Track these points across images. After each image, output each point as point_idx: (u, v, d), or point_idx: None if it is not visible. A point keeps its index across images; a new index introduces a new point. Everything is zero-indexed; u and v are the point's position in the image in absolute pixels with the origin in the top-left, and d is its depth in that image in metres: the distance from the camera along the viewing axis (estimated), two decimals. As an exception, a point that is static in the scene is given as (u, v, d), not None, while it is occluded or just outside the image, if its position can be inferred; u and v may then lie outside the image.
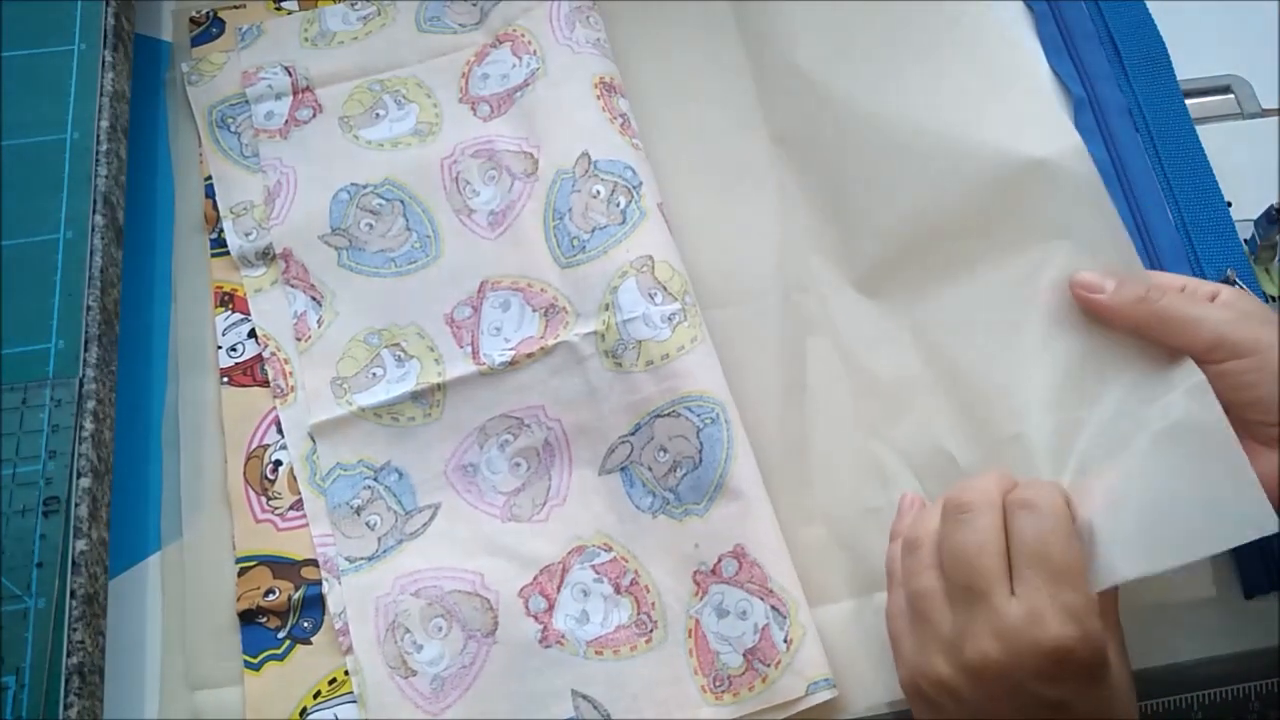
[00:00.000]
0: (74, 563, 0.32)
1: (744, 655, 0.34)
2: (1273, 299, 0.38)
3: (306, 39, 0.44)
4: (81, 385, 0.34)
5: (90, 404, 0.34)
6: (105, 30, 0.40)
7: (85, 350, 0.35)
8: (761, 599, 0.34)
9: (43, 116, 0.39)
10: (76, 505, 0.33)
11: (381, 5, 0.45)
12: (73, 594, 0.31)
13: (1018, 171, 0.35)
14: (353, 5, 0.45)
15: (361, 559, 0.36)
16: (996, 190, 0.36)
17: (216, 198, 0.41)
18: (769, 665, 0.33)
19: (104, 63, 0.40)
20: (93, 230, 0.37)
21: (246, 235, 0.41)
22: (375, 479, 0.37)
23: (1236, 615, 0.35)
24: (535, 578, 0.36)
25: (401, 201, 0.41)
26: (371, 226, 0.41)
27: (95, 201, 0.37)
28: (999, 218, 0.36)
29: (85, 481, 0.33)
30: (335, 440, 0.38)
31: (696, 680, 0.34)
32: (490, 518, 0.37)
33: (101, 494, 0.34)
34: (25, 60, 0.40)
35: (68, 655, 0.31)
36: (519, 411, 0.38)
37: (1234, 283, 0.37)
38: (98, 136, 0.38)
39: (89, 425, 0.34)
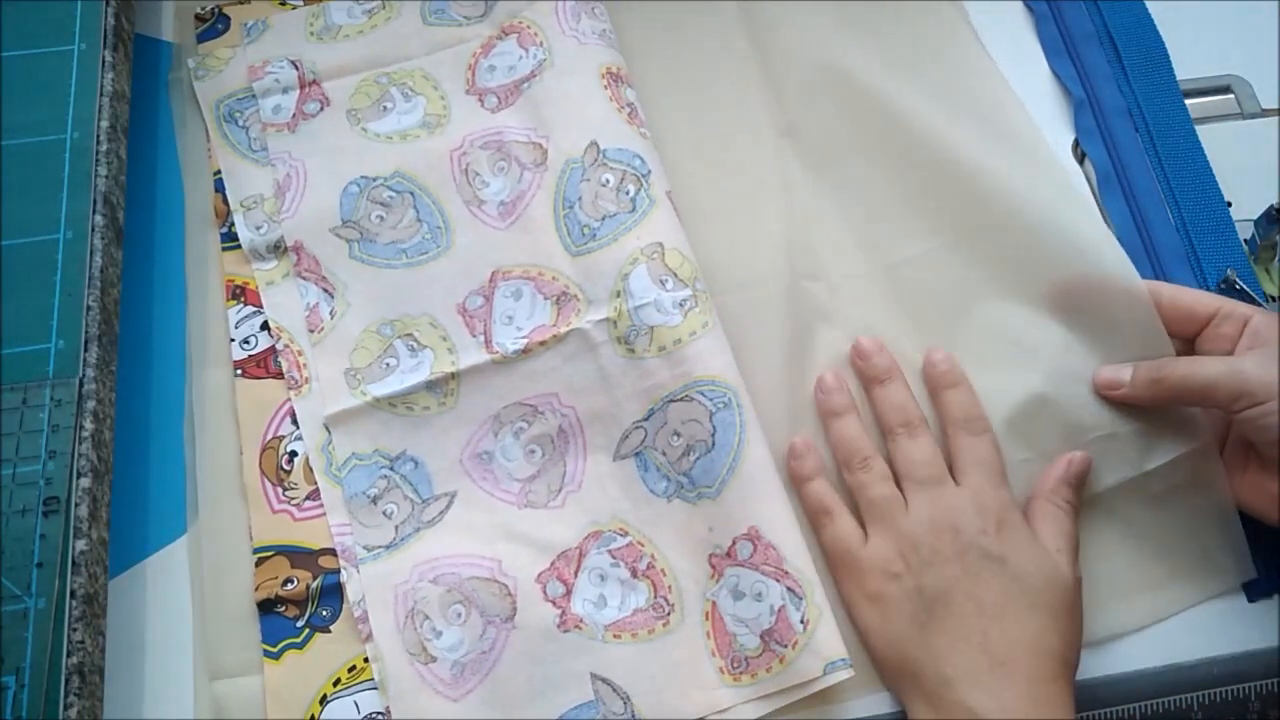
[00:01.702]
0: (74, 563, 0.27)
1: (760, 637, 0.29)
2: (1273, 299, 0.33)
3: (312, 33, 0.38)
4: (81, 385, 0.29)
5: (90, 404, 0.29)
6: (105, 30, 0.34)
7: (85, 350, 0.30)
8: (777, 580, 0.29)
9: (43, 116, 0.33)
10: (76, 505, 0.28)
11: None
12: (73, 594, 0.27)
13: (1027, 181, 0.32)
14: (357, -1, 0.38)
15: (379, 547, 0.31)
16: (1008, 195, 0.32)
17: (226, 192, 0.35)
18: (786, 646, 0.28)
19: (104, 63, 0.34)
20: (93, 230, 0.31)
21: (257, 229, 0.34)
22: (391, 468, 0.32)
23: (1236, 615, 0.30)
24: (553, 563, 0.31)
25: (411, 193, 0.35)
26: (382, 218, 0.34)
27: (95, 201, 0.32)
28: (1010, 222, 0.32)
29: (85, 481, 0.28)
30: (350, 430, 0.32)
31: (714, 662, 0.29)
32: (507, 504, 0.32)
33: (101, 494, 0.29)
34: (25, 60, 0.34)
35: (68, 655, 0.26)
36: (533, 399, 0.32)
37: (1234, 282, 0.32)
38: (98, 136, 0.33)
39: (89, 425, 0.29)
